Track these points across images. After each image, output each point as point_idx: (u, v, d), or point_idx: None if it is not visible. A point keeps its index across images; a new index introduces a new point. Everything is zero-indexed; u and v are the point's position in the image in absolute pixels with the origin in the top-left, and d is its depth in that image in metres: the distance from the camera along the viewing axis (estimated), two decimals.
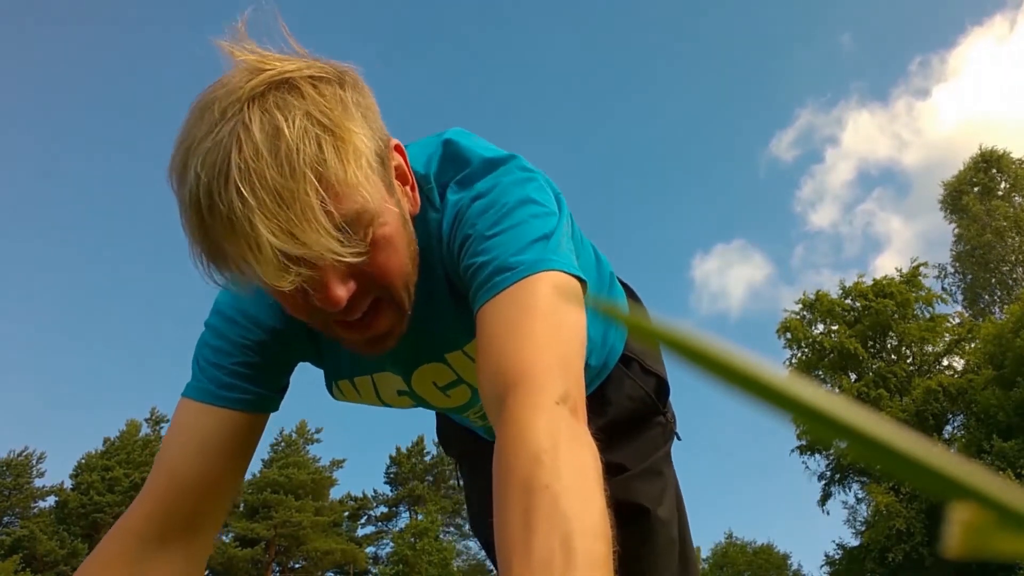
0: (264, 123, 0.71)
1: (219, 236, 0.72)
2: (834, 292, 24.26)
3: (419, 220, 0.91)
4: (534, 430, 0.67)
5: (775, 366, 0.13)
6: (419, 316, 0.91)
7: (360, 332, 0.84)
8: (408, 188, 0.89)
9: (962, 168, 26.86)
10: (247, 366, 0.95)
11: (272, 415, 0.99)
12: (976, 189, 26.04)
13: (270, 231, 0.70)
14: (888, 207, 50.25)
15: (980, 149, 26.50)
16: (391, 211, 0.82)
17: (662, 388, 1.36)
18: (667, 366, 1.38)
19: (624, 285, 1.39)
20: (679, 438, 1.39)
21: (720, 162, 55.25)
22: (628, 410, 1.29)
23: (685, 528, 1.33)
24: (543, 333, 0.76)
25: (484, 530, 1.45)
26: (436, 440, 1.60)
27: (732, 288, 52.04)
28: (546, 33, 58.13)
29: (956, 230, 26.29)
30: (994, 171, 26.23)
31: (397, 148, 0.88)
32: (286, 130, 0.71)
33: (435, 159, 0.96)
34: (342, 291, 0.78)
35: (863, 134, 48.97)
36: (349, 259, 0.75)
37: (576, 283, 0.83)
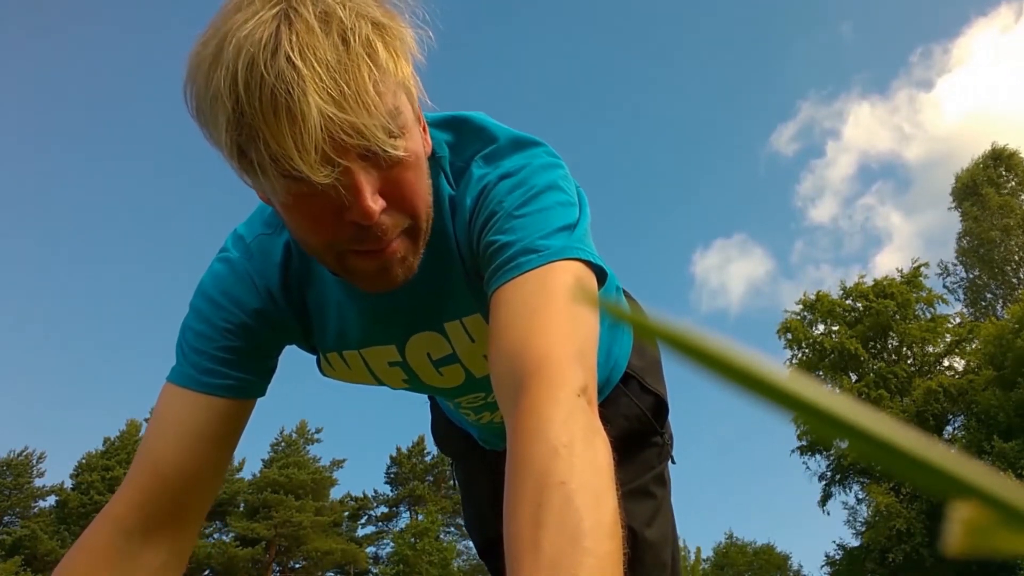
0: (314, 6, 0.69)
1: (258, 116, 0.68)
2: (834, 292, 24.28)
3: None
4: (552, 422, 0.66)
5: (776, 364, 0.13)
6: (424, 279, 0.89)
7: (373, 258, 0.80)
8: (423, 131, 0.86)
9: (972, 163, 26.80)
10: (230, 351, 0.91)
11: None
12: (985, 184, 25.96)
13: (322, 100, 0.67)
14: (889, 202, 50.03)
15: (992, 146, 26.44)
16: (418, 135, 0.80)
17: (660, 408, 1.32)
18: (667, 386, 1.34)
19: (629, 298, 1.36)
20: (674, 461, 1.35)
21: (721, 156, 55.24)
22: (623, 429, 1.25)
23: (676, 551, 1.30)
24: (564, 321, 0.74)
25: (478, 535, 1.44)
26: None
27: (732, 284, 51.91)
28: (542, 27, 58.18)
29: (963, 225, 26.22)
30: (1002, 169, 26.21)
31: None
32: (339, 12, 0.69)
33: (455, 130, 0.93)
34: (375, 203, 0.74)
35: (864, 127, 48.66)
36: (392, 151, 0.73)
37: (594, 279, 0.83)
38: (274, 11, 0.69)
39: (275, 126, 0.67)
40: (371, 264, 0.81)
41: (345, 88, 0.68)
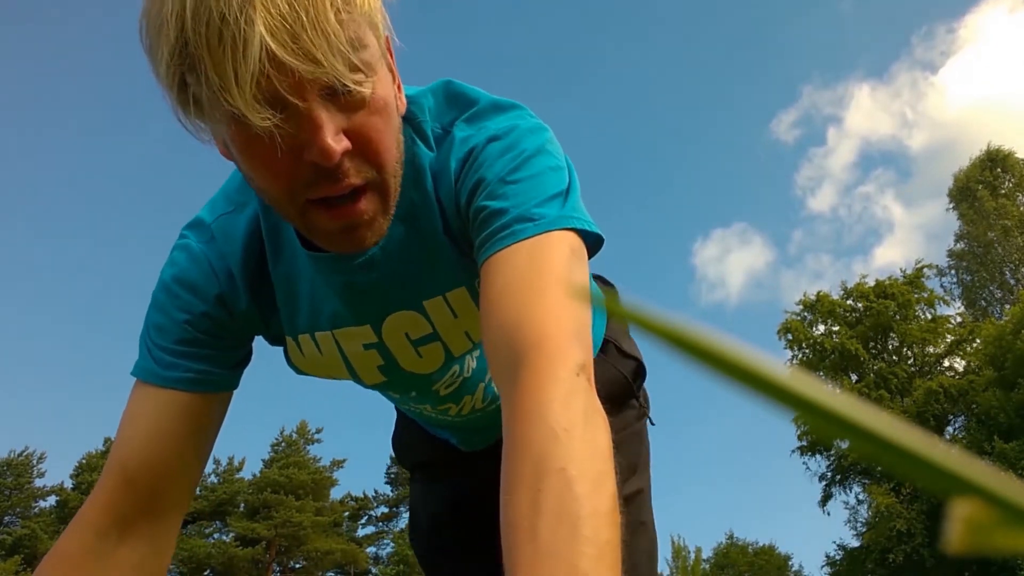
0: None
1: (202, 44, 0.63)
2: (835, 288, 24.31)
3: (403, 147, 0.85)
4: (552, 403, 0.64)
5: (777, 361, 0.13)
6: (405, 252, 0.87)
7: (338, 216, 0.75)
8: (396, 88, 0.82)
9: (968, 164, 26.82)
10: (189, 343, 0.89)
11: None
12: (980, 187, 26.01)
13: (267, 29, 0.62)
14: (889, 191, 49.39)
15: (988, 147, 26.44)
16: (389, 85, 0.76)
17: (640, 371, 1.30)
18: (642, 348, 1.31)
19: (605, 283, 1.35)
20: (652, 422, 1.33)
21: (720, 144, 54.81)
22: (603, 394, 1.21)
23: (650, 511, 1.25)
24: (560, 295, 0.72)
25: (426, 550, 1.36)
26: (392, 454, 1.46)
27: (732, 275, 50.63)
28: (539, 11, 58.13)
29: (961, 227, 26.22)
30: (999, 170, 26.21)
31: (387, 43, 0.81)
32: None
33: (433, 96, 0.90)
34: (335, 142, 0.69)
35: (866, 113, 47.45)
36: (354, 86, 0.69)
37: (585, 251, 0.81)
38: None
39: (218, 54, 0.63)
40: (335, 223, 0.76)
41: (302, 15, 0.63)
